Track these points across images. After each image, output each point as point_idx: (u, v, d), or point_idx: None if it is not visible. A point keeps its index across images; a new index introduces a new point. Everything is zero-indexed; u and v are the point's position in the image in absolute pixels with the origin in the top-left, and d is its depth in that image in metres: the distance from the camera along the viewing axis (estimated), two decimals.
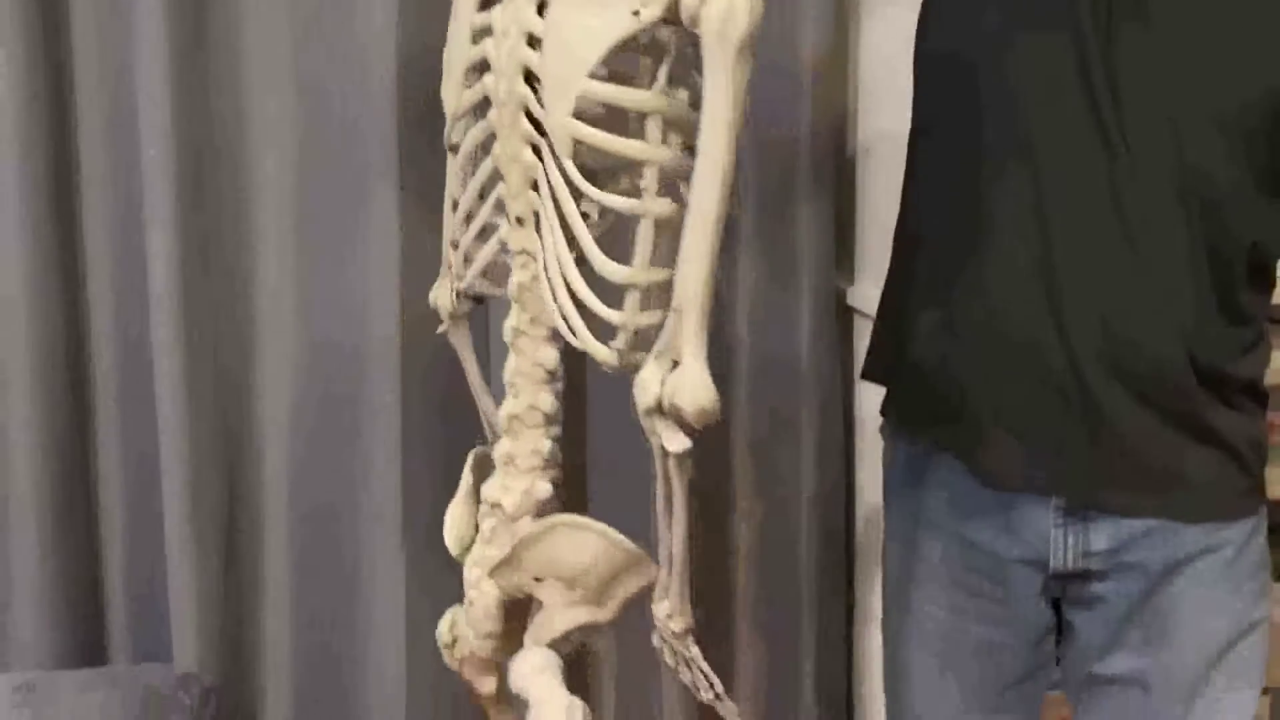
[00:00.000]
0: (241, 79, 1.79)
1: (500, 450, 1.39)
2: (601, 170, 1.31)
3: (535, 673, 1.36)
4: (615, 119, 1.28)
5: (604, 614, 1.38)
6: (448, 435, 1.83)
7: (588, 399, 1.89)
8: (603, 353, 1.30)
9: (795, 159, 1.96)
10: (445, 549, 1.49)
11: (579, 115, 1.27)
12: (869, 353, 1.61)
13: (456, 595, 1.48)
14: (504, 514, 1.39)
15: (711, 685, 1.38)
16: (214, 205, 1.80)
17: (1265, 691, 2.22)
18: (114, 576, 1.89)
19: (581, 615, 1.37)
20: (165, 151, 1.73)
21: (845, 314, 2.07)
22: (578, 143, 1.28)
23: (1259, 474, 1.43)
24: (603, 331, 1.31)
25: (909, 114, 1.50)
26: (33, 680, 1.74)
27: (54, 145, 1.78)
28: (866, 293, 1.96)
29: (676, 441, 1.24)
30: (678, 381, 1.22)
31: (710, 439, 1.97)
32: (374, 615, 1.89)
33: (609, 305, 1.30)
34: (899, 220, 1.54)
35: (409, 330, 1.82)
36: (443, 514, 1.47)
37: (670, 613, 1.35)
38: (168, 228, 1.75)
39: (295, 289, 1.83)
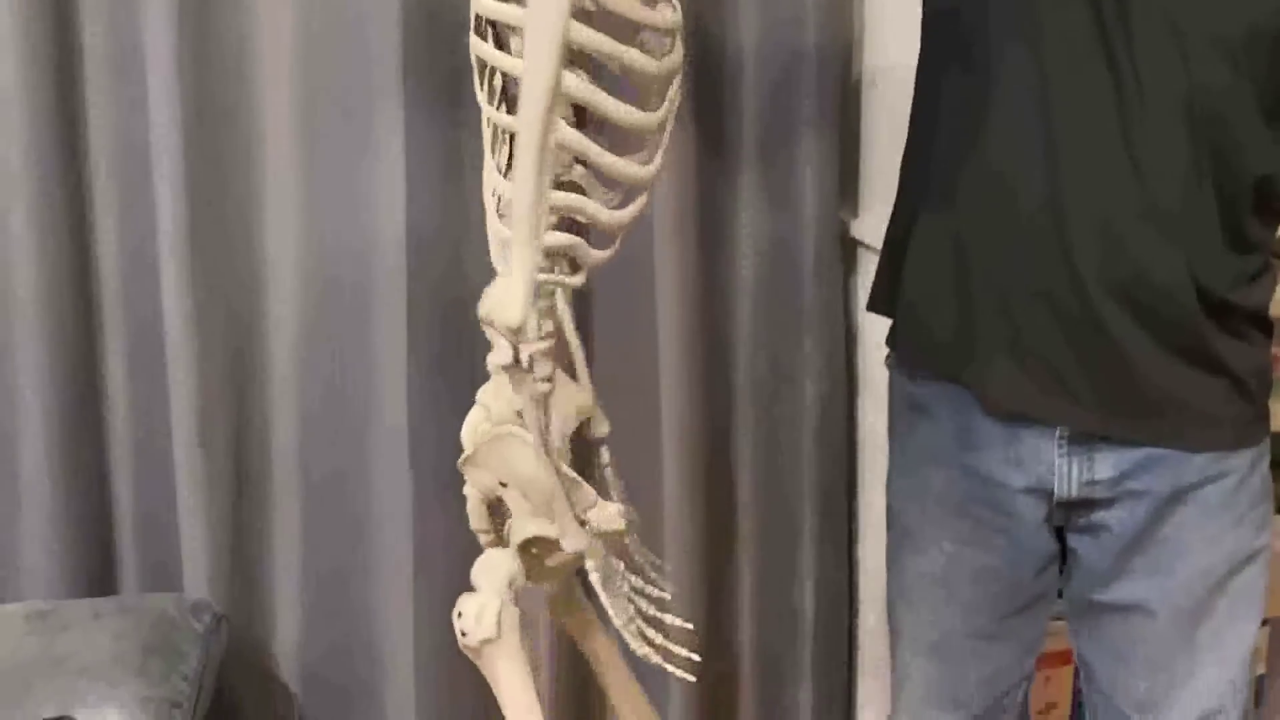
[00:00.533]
0: None
1: (493, 359, 1.40)
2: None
3: (482, 571, 1.43)
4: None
5: (557, 532, 1.41)
6: (459, 355, 1.84)
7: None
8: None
9: (799, 90, 1.95)
10: (455, 467, 1.50)
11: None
12: (874, 285, 1.62)
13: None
14: (489, 416, 1.42)
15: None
16: (220, 117, 1.80)
17: (1265, 623, 2.25)
18: (123, 506, 1.90)
19: (535, 527, 1.42)
20: (170, 73, 1.73)
21: (849, 247, 2.07)
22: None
23: (1264, 403, 1.44)
24: None
25: (914, 44, 1.50)
26: (44, 609, 1.75)
27: (58, 60, 1.77)
28: (871, 225, 1.96)
29: (499, 353, 1.27)
30: (490, 294, 1.25)
31: (714, 373, 2.00)
32: (383, 540, 1.90)
33: None
34: (905, 151, 1.54)
35: (415, 240, 1.82)
36: (452, 431, 1.48)
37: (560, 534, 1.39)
38: (174, 140, 1.75)
39: (302, 207, 1.82)
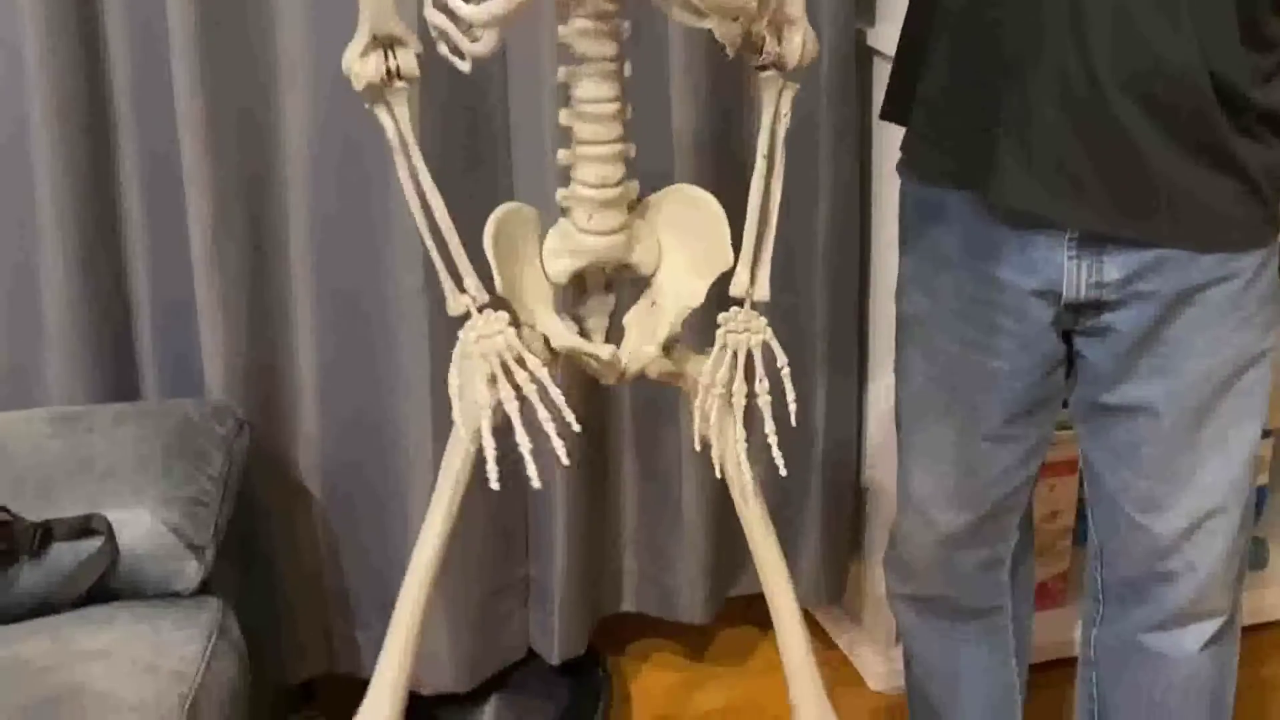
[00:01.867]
0: None
1: None
2: None
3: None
4: None
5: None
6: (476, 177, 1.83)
7: None
8: None
9: None
10: None
11: None
12: (887, 92, 1.61)
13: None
14: None
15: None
16: None
17: (1268, 434, 2.28)
18: (142, 314, 1.91)
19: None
20: None
21: (865, 56, 2.04)
22: None
23: (1274, 205, 1.44)
24: None
25: None
26: (67, 413, 1.78)
27: None
28: (889, 34, 1.93)
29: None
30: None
31: (723, 175, 1.99)
32: (403, 345, 1.92)
33: None
34: None
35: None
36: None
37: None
38: None
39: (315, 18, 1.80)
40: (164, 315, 1.91)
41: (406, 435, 1.94)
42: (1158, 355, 1.47)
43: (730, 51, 1.30)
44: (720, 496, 2.15)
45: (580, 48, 1.24)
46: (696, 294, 1.37)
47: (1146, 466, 1.54)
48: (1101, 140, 1.36)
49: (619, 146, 1.24)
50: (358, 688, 1.50)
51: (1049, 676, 2.05)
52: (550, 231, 1.36)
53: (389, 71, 1.23)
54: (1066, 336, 1.54)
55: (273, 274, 1.90)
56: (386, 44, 1.23)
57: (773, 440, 1.26)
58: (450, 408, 1.32)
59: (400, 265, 1.88)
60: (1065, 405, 1.63)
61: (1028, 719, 1.89)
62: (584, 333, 1.40)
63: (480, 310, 1.29)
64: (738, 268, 1.32)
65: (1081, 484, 2.10)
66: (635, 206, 1.35)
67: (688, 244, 1.38)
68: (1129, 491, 1.56)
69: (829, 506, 2.25)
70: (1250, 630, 1.76)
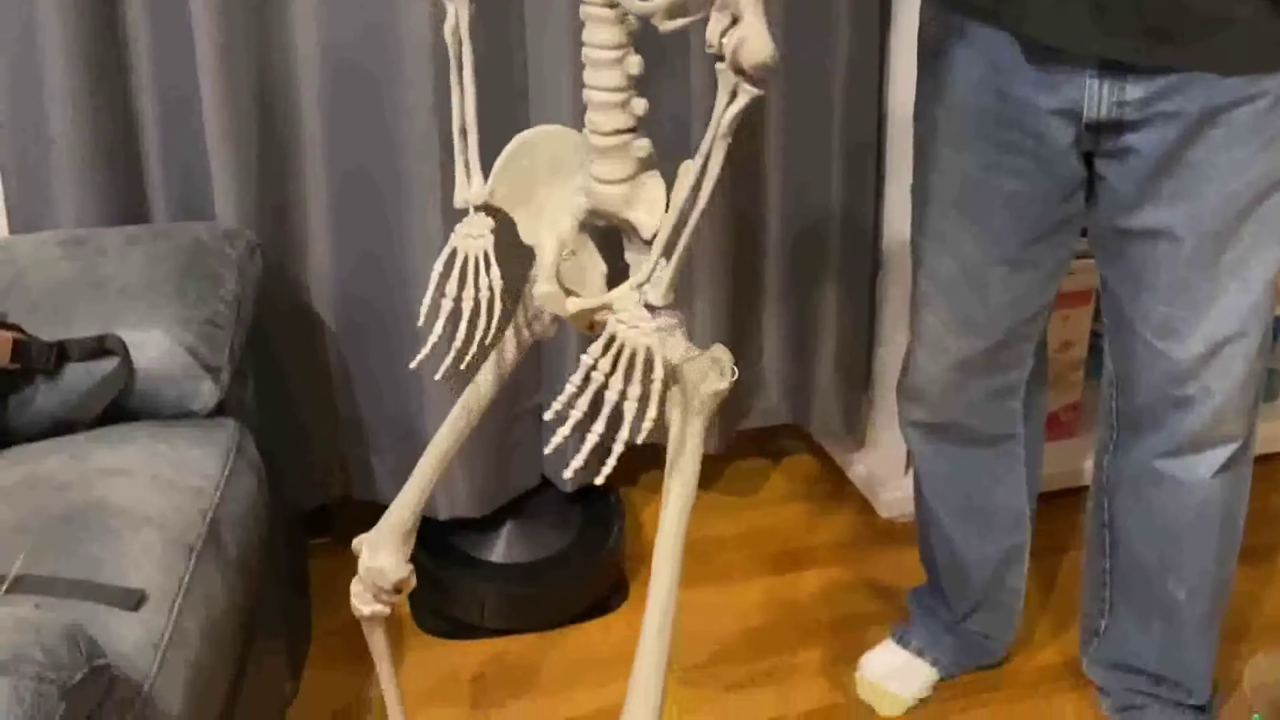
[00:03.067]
0: None
1: None
2: None
3: None
4: None
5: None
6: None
7: None
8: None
9: None
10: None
11: None
12: None
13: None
14: None
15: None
16: None
17: None
18: (151, 139, 1.89)
19: None
20: None
21: None
22: None
23: None
24: None
25: None
26: (78, 235, 1.76)
27: None
28: None
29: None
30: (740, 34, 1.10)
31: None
32: (412, 170, 1.89)
33: None
34: None
35: None
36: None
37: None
38: None
39: None
40: (173, 147, 1.89)
41: (417, 268, 1.93)
42: (1179, 178, 1.45)
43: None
44: (732, 330, 2.16)
45: None
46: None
47: (1165, 292, 1.53)
48: None
49: (617, 96, 1.21)
50: (373, 513, 1.52)
51: (1059, 505, 2.07)
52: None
53: None
54: (1087, 160, 1.51)
55: (284, 108, 1.87)
56: None
57: (617, 449, 1.21)
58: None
59: (412, 96, 1.85)
60: (1084, 235, 1.62)
61: (1037, 547, 1.92)
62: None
63: (476, 210, 1.32)
64: (647, 266, 1.25)
65: (1096, 315, 2.11)
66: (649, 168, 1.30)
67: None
68: (1147, 318, 1.56)
69: (843, 335, 2.25)
70: (1262, 460, 1.77)
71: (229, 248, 1.74)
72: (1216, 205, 1.46)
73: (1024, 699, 1.93)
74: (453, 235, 1.33)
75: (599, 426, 1.19)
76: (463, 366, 1.32)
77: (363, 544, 1.50)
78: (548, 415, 1.22)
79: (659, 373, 1.21)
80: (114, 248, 1.71)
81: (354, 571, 1.51)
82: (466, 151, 1.31)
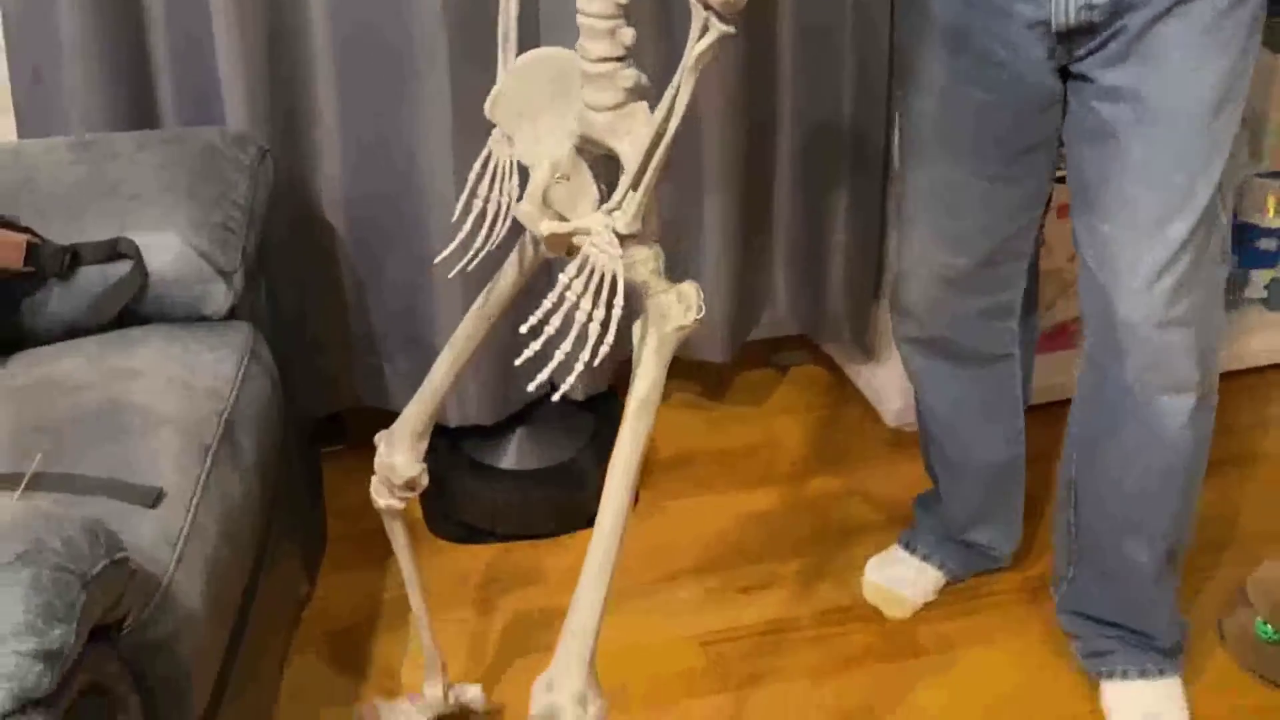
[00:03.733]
0: None
1: None
2: None
3: None
4: None
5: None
6: None
7: None
8: None
9: None
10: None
11: None
12: None
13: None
14: None
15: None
16: None
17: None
18: (160, 45, 1.88)
19: None
20: None
21: None
22: None
23: None
24: None
25: None
26: (89, 140, 1.76)
27: None
28: None
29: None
30: None
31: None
32: (422, 77, 1.89)
33: None
34: None
35: None
36: None
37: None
38: None
39: None
40: (182, 52, 1.88)
41: (427, 172, 1.93)
42: (1144, 55, 1.45)
43: None
44: (745, 242, 2.16)
45: None
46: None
47: (1139, 181, 1.51)
48: None
49: (605, 23, 1.20)
50: (385, 421, 1.53)
51: (1057, 414, 2.07)
52: None
53: None
54: (1063, 76, 1.51)
55: (294, 13, 1.86)
56: None
57: (579, 365, 1.22)
58: (471, 143, 1.36)
59: (419, 5, 1.84)
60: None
61: (1041, 454, 1.94)
62: None
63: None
64: (617, 194, 1.25)
65: None
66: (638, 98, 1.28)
67: None
68: (1122, 207, 1.53)
69: (852, 247, 2.25)
70: (1246, 373, 1.76)
71: (240, 153, 1.73)
72: (1178, 86, 1.46)
73: (1028, 603, 1.96)
74: (489, 139, 1.34)
75: (565, 345, 1.21)
76: (470, 269, 1.34)
77: (381, 439, 1.52)
78: (523, 329, 1.24)
79: (619, 300, 1.22)
80: (125, 152, 1.70)
81: (367, 479, 1.55)
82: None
